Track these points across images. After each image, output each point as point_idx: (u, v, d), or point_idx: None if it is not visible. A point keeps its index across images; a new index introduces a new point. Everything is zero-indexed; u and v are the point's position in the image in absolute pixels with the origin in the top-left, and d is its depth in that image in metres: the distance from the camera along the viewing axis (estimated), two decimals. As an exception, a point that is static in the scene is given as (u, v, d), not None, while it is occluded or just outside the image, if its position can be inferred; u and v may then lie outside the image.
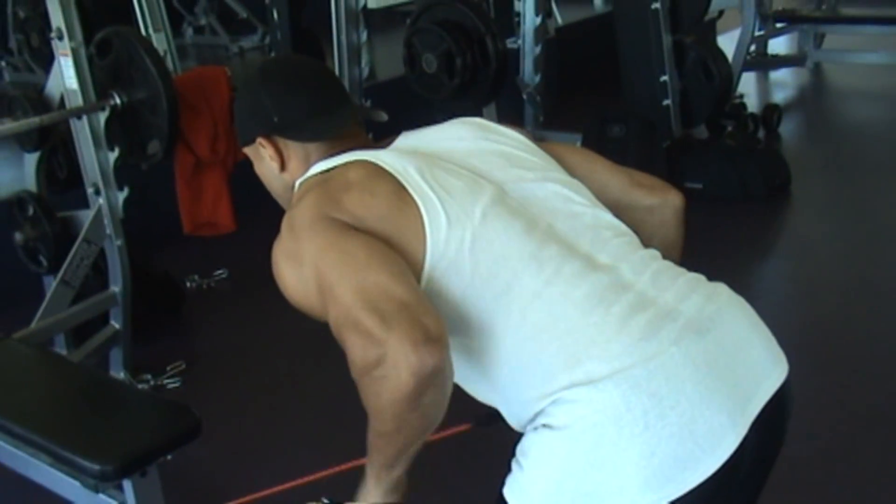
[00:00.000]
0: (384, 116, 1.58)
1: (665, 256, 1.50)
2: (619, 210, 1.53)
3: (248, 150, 1.58)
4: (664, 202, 1.62)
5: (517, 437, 1.38)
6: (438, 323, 1.23)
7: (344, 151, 1.47)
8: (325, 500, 1.47)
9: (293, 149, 1.52)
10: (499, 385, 1.37)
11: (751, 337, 1.39)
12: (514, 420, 1.39)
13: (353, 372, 1.25)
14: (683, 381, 1.28)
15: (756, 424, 1.32)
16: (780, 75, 6.99)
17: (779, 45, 6.95)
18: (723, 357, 1.33)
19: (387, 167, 1.40)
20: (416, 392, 1.20)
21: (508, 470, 1.36)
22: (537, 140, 1.60)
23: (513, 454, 1.36)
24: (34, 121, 3.15)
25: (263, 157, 1.55)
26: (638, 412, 1.25)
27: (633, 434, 1.25)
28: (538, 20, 4.98)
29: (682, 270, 1.45)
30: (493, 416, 1.46)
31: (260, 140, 1.52)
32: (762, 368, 1.38)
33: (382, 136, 1.57)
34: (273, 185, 1.58)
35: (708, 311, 1.36)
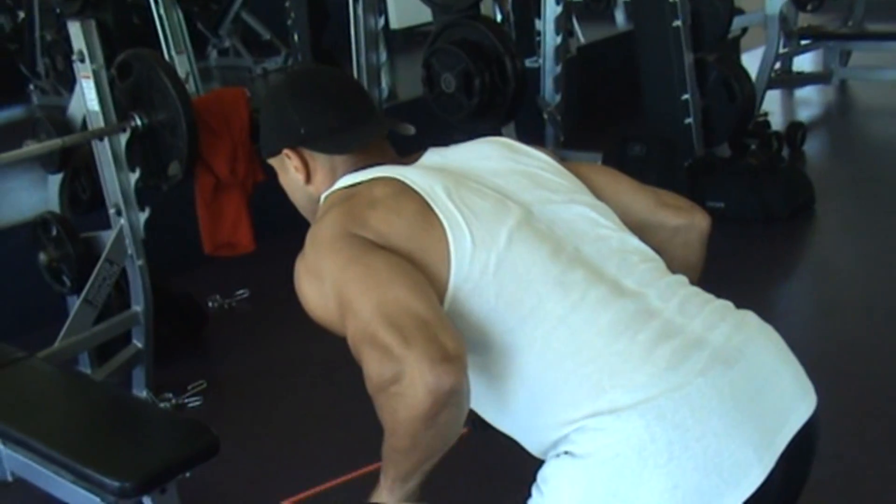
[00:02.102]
0: (411, 130, 1.57)
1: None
2: (643, 230, 1.51)
3: (273, 162, 1.57)
4: (690, 224, 1.60)
5: (518, 445, 1.38)
6: (458, 342, 1.22)
7: (370, 166, 1.46)
8: None
9: (319, 161, 1.51)
10: (518, 410, 1.35)
11: (779, 368, 1.37)
12: (533, 446, 1.38)
13: (369, 388, 1.24)
14: (709, 413, 1.26)
15: (782, 458, 1.30)
16: (805, 93, 6.95)
17: (804, 63, 6.92)
18: (750, 389, 1.31)
19: (413, 185, 1.39)
20: (432, 411, 1.19)
21: (528, 495, 1.34)
22: (562, 160, 1.59)
23: (533, 479, 1.34)
24: (56, 142, 3.19)
25: (289, 169, 1.54)
26: (662, 443, 1.24)
27: (656, 465, 1.23)
28: (559, 39, 4.98)
29: (711, 297, 1.42)
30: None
31: (286, 152, 1.52)
32: (790, 401, 1.35)
33: (408, 152, 1.56)
34: (297, 197, 1.57)
35: (736, 340, 1.34)
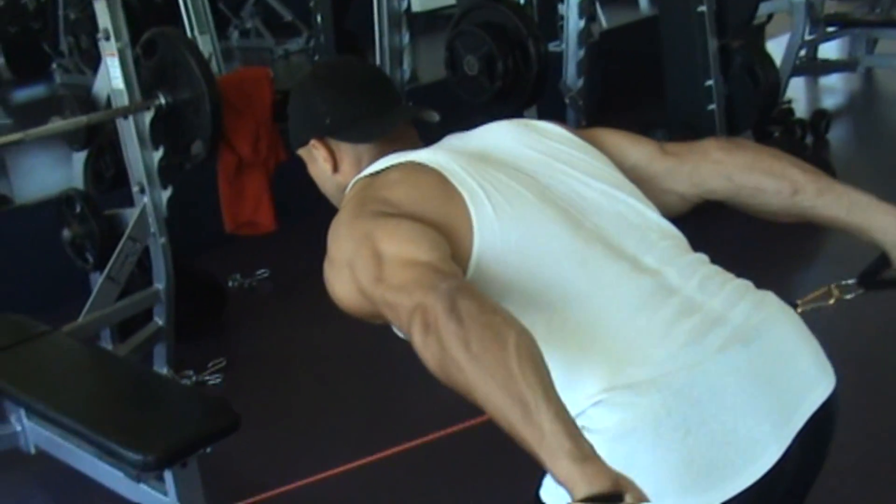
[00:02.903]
0: (436, 117, 1.58)
1: (764, 173, 1.48)
2: (674, 178, 1.51)
3: (301, 153, 1.60)
4: (704, 155, 1.55)
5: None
6: (454, 268, 1.22)
7: (394, 153, 1.48)
8: None
9: (345, 150, 1.53)
10: None
11: (798, 348, 1.37)
12: None
13: (421, 356, 1.16)
14: (727, 390, 1.26)
15: (800, 437, 1.30)
16: (830, 81, 6.88)
17: (829, 50, 6.85)
18: (768, 367, 1.31)
19: (430, 163, 1.40)
20: (447, 308, 1.11)
21: (544, 473, 1.35)
22: (577, 129, 1.58)
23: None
24: (81, 120, 3.21)
25: (317, 159, 1.56)
26: (678, 418, 1.24)
27: (672, 440, 1.24)
28: (582, 24, 4.95)
29: (731, 276, 1.42)
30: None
31: (313, 142, 1.54)
32: (808, 380, 1.35)
33: (431, 137, 1.57)
34: (326, 187, 1.60)
35: (755, 319, 1.34)
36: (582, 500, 0.99)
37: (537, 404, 1.04)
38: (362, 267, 1.29)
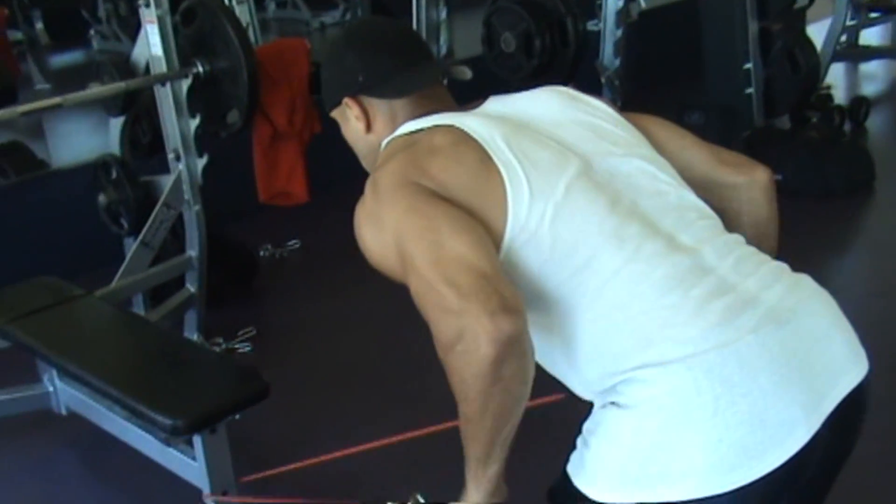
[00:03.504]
0: (468, 74, 1.57)
1: (759, 234, 1.49)
2: (705, 187, 1.51)
3: (335, 114, 1.58)
4: (751, 181, 1.56)
5: (584, 413, 1.39)
6: (515, 294, 1.23)
7: (430, 113, 1.47)
8: (420, 499, 1.45)
9: (378, 107, 1.51)
10: (568, 361, 1.36)
11: (832, 332, 1.36)
12: (584, 396, 1.39)
13: (438, 351, 1.24)
14: (758, 370, 1.26)
15: (830, 421, 1.30)
16: (870, 67, 6.76)
17: (871, 36, 6.74)
18: (801, 349, 1.30)
19: (473, 134, 1.39)
20: (496, 361, 1.18)
21: (573, 447, 1.36)
22: (623, 112, 1.57)
23: (579, 431, 1.36)
24: (119, 86, 3.23)
25: (350, 119, 1.54)
26: (708, 397, 1.24)
27: (701, 419, 1.24)
28: (620, 3, 4.90)
29: (767, 258, 1.41)
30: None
31: (346, 101, 1.52)
32: (841, 364, 1.35)
33: (468, 100, 1.55)
34: (359, 147, 1.58)
35: (789, 301, 1.33)
36: None
37: (492, 465, 1.32)
38: (414, 243, 1.30)
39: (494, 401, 1.23)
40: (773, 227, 1.59)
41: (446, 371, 1.24)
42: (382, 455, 2.57)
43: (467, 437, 1.29)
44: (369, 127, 1.53)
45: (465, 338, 1.19)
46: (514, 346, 1.20)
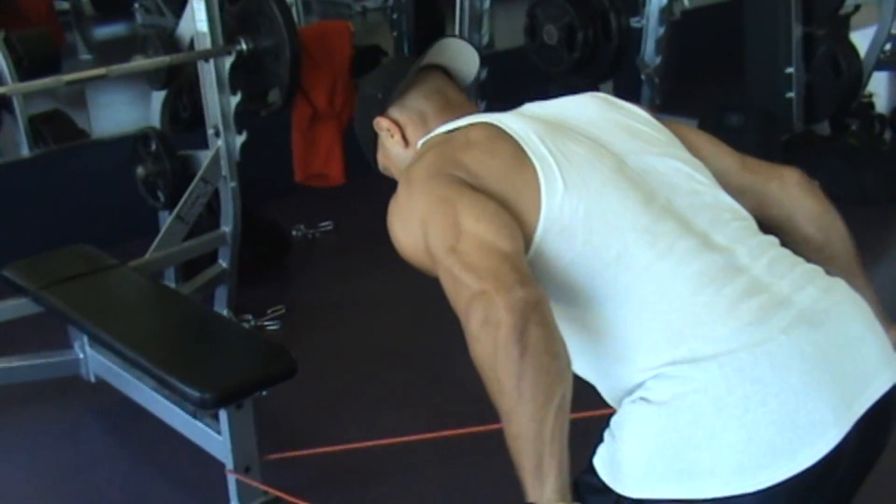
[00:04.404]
0: (471, 54, 1.66)
1: (822, 227, 1.50)
2: (741, 194, 1.51)
3: (380, 158, 1.62)
4: (781, 182, 1.57)
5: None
6: (531, 272, 1.24)
7: (462, 117, 1.49)
8: None
9: (406, 115, 1.55)
10: (597, 355, 1.36)
11: (864, 336, 1.35)
12: (609, 393, 1.39)
13: (470, 345, 1.21)
14: (789, 371, 1.26)
15: (859, 425, 1.29)
16: (913, 78, 6.70)
17: (916, 46, 6.66)
18: (833, 352, 1.30)
19: (508, 130, 1.40)
20: (517, 328, 1.16)
21: (600, 440, 1.36)
22: (659, 119, 1.58)
23: (607, 425, 1.36)
24: (164, 60, 3.26)
25: (388, 147, 1.58)
26: (739, 396, 1.24)
27: (731, 417, 1.24)
28: (664, 1, 4.89)
29: (801, 260, 1.41)
30: None
31: (376, 121, 1.57)
32: (873, 368, 1.34)
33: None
34: (401, 167, 1.57)
35: (823, 304, 1.33)
36: None
37: (549, 471, 1.17)
38: (438, 231, 1.31)
39: (527, 378, 1.16)
40: (831, 218, 1.57)
41: (480, 367, 1.20)
42: (406, 444, 2.59)
43: (513, 441, 1.18)
44: (405, 141, 1.56)
45: (489, 318, 1.18)
46: (534, 312, 1.18)
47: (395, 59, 1.66)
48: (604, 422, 1.34)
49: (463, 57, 1.62)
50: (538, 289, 1.21)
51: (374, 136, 1.61)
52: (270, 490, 2.51)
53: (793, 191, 1.56)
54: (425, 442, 2.52)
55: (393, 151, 1.59)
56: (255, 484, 2.51)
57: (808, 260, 1.46)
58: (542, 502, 1.16)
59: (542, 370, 1.17)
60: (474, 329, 1.19)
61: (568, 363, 1.21)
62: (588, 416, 1.41)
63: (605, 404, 1.40)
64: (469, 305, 1.21)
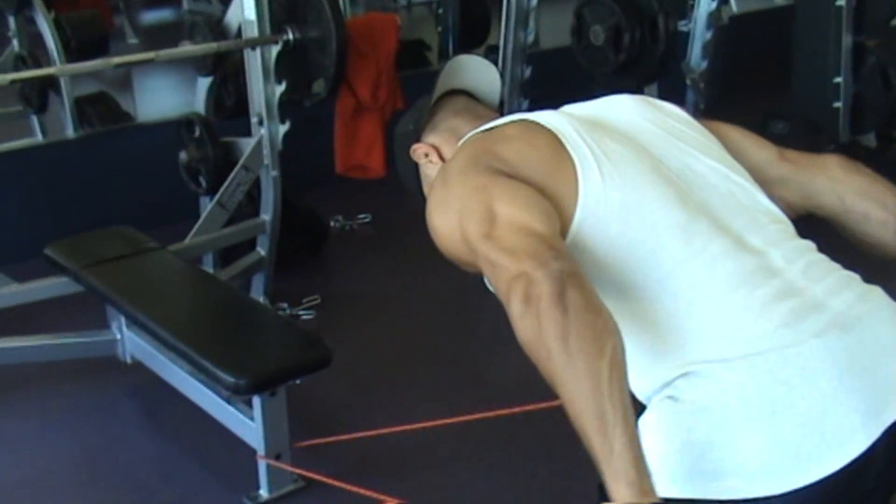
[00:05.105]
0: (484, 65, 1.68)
1: (878, 198, 1.47)
2: (784, 185, 1.50)
3: (426, 191, 1.60)
4: (824, 170, 1.54)
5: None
6: (565, 248, 1.24)
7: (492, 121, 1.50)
8: None
9: (440, 135, 1.56)
10: (627, 350, 1.36)
11: None
12: (637, 389, 1.37)
13: (514, 327, 1.18)
14: (819, 375, 1.24)
15: (889, 434, 1.27)
16: (962, 93, 6.59)
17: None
18: (865, 358, 1.28)
19: (547, 124, 1.40)
20: (557, 293, 1.13)
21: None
22: (698, 119, 1.56)
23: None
24: (211, 46, 3.28)
25: (428, 172, 1.58)
26: (767, 397, 1.23)
27: (758, 418, 1.23)
28: (713, 5, 4.83)
29: (838, 266, 1.39)
30: None
31: (413, 149, 1.57)
32: None
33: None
34: None
35: (857, 310, 1.31)
36: None
37: (615, 424, 1.09)
38: (473, 219, 1.30)
39: (573, 335, 1.11)
40: (883, 188, 1.51)
41: (526, 347, 1.17)
42: (437, 432, 2.60)
43: (572, 406, 1.11)
44: (443, 160, 1.56)
45: (529, 295, 1.16)
46: (570, 278, 1.16)
47: (421, 99, 1.65)
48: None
49: (483, 76, 1.63)
50: (574, 262, 1.20)
51: (415, 170, 1.60)
52: (304, 473, 2.51)
53: (836, 173, 1.53)
54: (454, 430, 2.52)
55: (433, 176, 1.57)
56: (287, 468, 2.52)
57: (882, 240, 1.45)
58: (617, 465, 1.07)
59: (587, 325, 1.12)
60: (517, 309, 1.17)
61: (613, 319, 1.16)
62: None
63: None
64: (510, 288, 1.19)
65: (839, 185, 1.53)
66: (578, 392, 1.10)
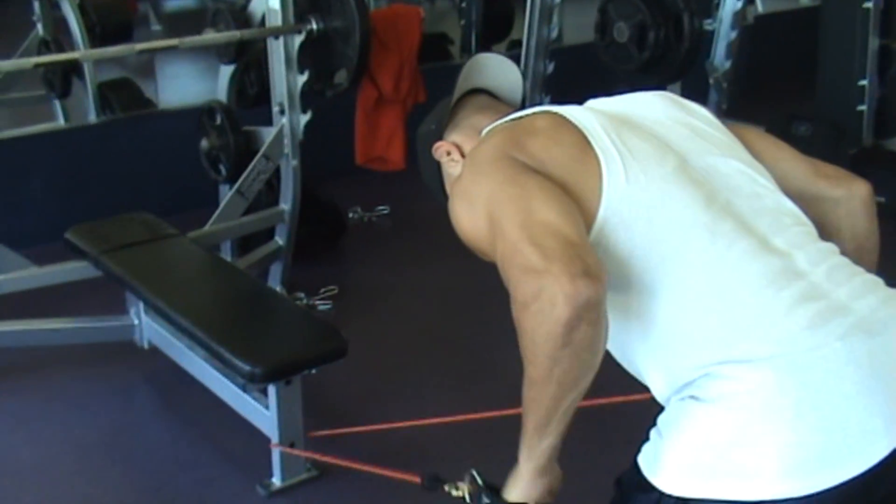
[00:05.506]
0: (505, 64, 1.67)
1: (859, 248, 1.46)
2: (802, 201, 1.48)
3: (449, 190, 1.59)
4: (850, 194, 1.53)
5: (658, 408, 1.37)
6: (599, 263, 1.23)
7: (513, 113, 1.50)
8: (474, 473, 1.46)
9: (462, 132, 1.56)
10: (648, 350, 1.35)
11: None
12: (657, 389, 1.38)
13: (514, 308, 1.24)
14: (843, 378, 1.24)
15: None
16: None
17: None
18: (888, 362, 1.27)
19: (573, 119, 1.40)
20: (569, 324, 1.18)
21: (646, 438, 1.35)
22: (724, 122, 1.56)
23: (654, 423, 1.35)
24: (234, 34, 3.29)
25: (447, 167, 1.57)
26: (790, 399, 1.23)
27: (781, 420, 1.23)
28: (738, 4, 4.81)
29: (861, 270, 1.39)
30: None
31: (436, 147, 1.57)
32: None
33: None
34: None
35: (882, 314, 1.30)
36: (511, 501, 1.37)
37: (551, 433, 1.31)
38: (507, 209, 1.30)
39: (561, 366, 1.22)
40: (874, 242, 1.55)
41: (518, 331, 1.24)
42: (450, 428, 2.59)
43: (528, 401, 1.29)
44: (464, 157, 1.55)
45: (542, 297, 1.19)
46: (590, 312, 1.19)
47: (443, 99, 1.65)
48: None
49: (504, 75, 1.62)
50: (601, 284, 1.20)
51: (437, 169, 1.60)
52: (319, 456, 2.51)
53: (856, 207, 1.53)
54: (468, 424, 2.52)
55: (456, 174, 1.56)
56: (303, 454, 2.53)
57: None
58: (536, 452, 1.32)
59: (579, 363, 1.22)
60: (524, 301, 1.21)
61: (602, 354, 1.26)
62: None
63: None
64: (525, 278, 1.21)
65: (847, 217, 1.52)
66: (540, 401, 1.27)
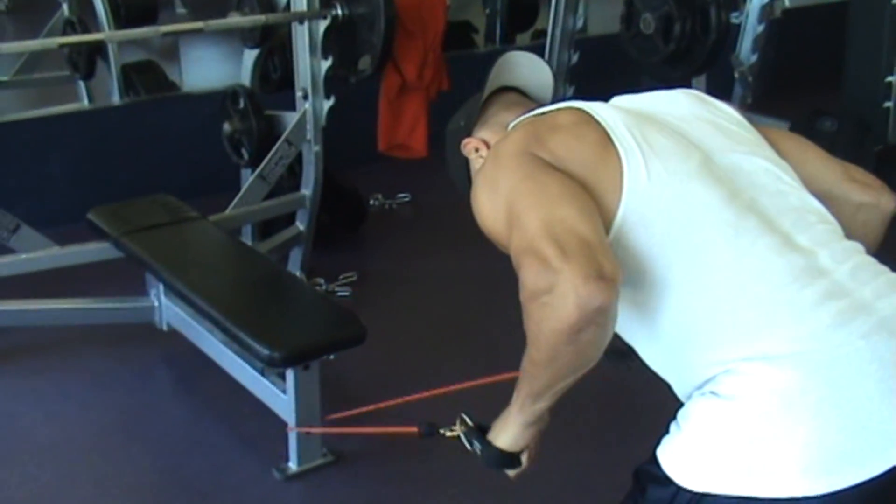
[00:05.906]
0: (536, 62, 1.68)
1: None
2: (825, 202, 1.47)
3: (473, 188, 1.60)
4: (875, 203, 1.52)
5: (677, 404, 1.37)
6: (615, 266, 1.23)
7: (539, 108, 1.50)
8: (464, 416, 1.52)
9: (491, 129, 1.56)
10: (668, 346, 1.35)
11: None
12: (677, 384, 1.38)
13: (521, 295, 1.25)
14: (866, 377, 1.24)
15: None
16: None
17: None
18: None
19: (596, 116, 1.40)
20: (577, 325, 1.20)
21: (666, 431, 1.35)
22: (750, 122, 1.55)
23: (674, 416, 1.35)
24: (259, 18, 3.29)
25: (475, 164, 1.57)
26: (811, 398, 1.22)
27: (802, 418, 1.22)
28: (766, -2, 4.77)
29: (886, 269, 1.38)
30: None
31: (464, 144, 1.57)
32: None
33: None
34: None
35: None
36: (498, 447, 1.45)
37: (543, 400, 1.37)
38: (527, 204, 1.31)
39: (563, 359, 1.26)
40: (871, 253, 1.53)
41: (524, 314, 1.25)
42: (464, 403, 2.58)
43: (526, 374, 1.34)
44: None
45: (554, 292, 1.20)
46: (599, 316, 1.21)
47: (473, 96, 1.66)
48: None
49: (535, 74, 1.62)
50: (613, 289, 1.21)
51: (465, 165, 1.60)
52: (334, 430, 2.50)
53: (874, 218, 1.52)
54: (484, 397, 2.50)
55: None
56: (317, 430, 2.54)
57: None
58: (528, 411, 1.38)
59: (581, 358, 1.26)
60: (534, 291, 1.23)
61: (603, 350, 1.28)
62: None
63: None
64: (539, 271, 1.22)
65: (862, 227, 1.51)
66: (538, 378, 1.33)
